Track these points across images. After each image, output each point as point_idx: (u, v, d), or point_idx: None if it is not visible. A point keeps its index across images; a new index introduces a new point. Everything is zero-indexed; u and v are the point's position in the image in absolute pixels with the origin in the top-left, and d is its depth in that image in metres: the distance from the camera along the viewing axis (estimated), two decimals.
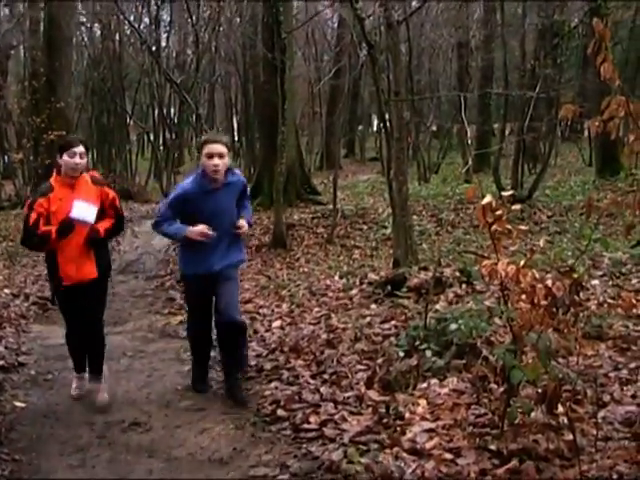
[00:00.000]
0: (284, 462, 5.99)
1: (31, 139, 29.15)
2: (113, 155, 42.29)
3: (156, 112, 41.25)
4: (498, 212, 5.41)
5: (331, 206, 21.89)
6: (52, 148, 27.27)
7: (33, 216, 7.37)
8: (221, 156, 7.43)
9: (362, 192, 30.52)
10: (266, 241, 19.76)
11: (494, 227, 5.45)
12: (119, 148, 42.22)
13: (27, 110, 30.43)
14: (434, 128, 42.50)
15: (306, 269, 16.10)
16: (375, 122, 57.14)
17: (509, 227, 5.48)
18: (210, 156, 7.39)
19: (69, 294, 7.78)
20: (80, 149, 7.53)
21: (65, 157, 7.45)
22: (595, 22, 5.02)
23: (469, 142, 31.24)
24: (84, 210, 7.49)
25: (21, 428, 7.33)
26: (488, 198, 5.39)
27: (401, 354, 7.89)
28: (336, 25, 48.57)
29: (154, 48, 30.35)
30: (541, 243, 8.49)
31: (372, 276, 12.70)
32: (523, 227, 6.22)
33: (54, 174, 7.62)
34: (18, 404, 8.02)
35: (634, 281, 10.57)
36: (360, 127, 57.63)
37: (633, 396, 6.35)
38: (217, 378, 8.54)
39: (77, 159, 7.47)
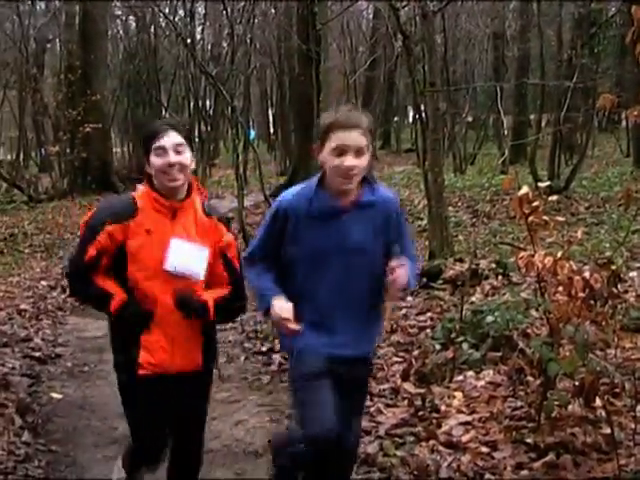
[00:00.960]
0: None
1: (67, 132, 29.30)
2: None
3: (191, 104, 41.31)
4: (535, 203, 5.36)
5: None
6: (88, 140, 27.55)
7: (91, 250, 4.41)
8: (359, 153, 4.19)
9: (398, 183, 30.42)
10: None
11: (531, 218, 5.40)
12: None
13: (63, 103, 30.61)
14: (470, 119, 42.32)
15: None
16: (411, 113, 57.06)
17: (546, 218, 5.43)
18: (341, 152, 4.17)
19: (150, 390, 4.61)
20: (173, 138, 4.41)
21: (152, 157, 4.44)
22: (634, 9, 4.95)
23: (505, 133, 31.02)
24: (188, 257, 4.48)
25: (57, 419, 7.38)
26: (525, 189, 5.35)
27: (437, 346, 7.85)
28: (371, 16, 48.58)
29: (189, 40, 30.35)
30: (578, 234, 8.35)
31: None
32: (560, 218, 6.16)
33: (141, 186, 4.59)
34: (55, 395, 8.08)
35: None
36: (396, 118, 57.53)
37: None
38: (252, 370, 8.55)
39: (171, 156, 4.39)
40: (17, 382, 8.15)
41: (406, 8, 20.26)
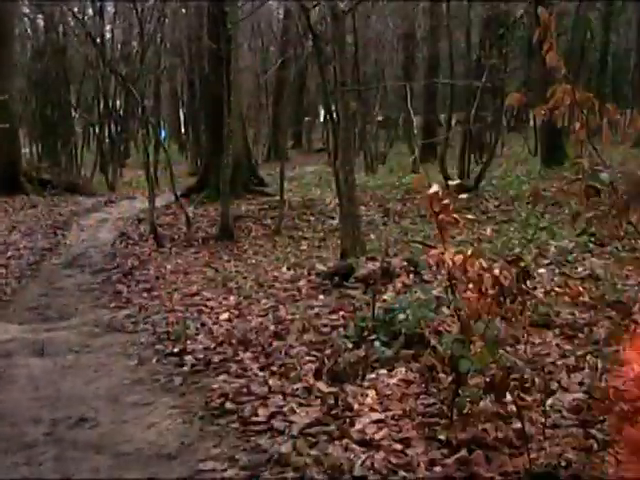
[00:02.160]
0: (233, 455, 5.93)
1: None
2: (58, 148, 41.79)
3: (101, 104, 40.85)
4: (445, 201, 5.40)
5: (278, 197, 21.83)
6: None
7: None
8: None
9: (309, 183, 30.57)
10: (213, 233, 19.66)
11: (441, 216, 5.44)
12: (64, 141, 41.72)
13: None
14: (380, 118, 42.60)
15: (254, 261, 16.04)
16: (322, 113, 57.24)
17: (456, 216, 5.48)
18: None
19: None
20: None
21: None
22: (541, 11, 5.02)
23: (415, 132, 31.31)
24: None
25: None
26: (435, 187, 5.39)
27: (349, 345, 7.87)
28: (282, 16, 48.55)
29: (98, 40, 30.10)
30: (488, 232, 8.48)
31: (320, 267, 12.71)
32: (470, 216, 6.24)
33: None
34: None
35: (580, 269, 10.68)
36: (307, 118, 57.62)
37: (580, 383, 6.41)
38: (164, 372, 8.48)
39: None
40: None
41: (316, 8, 20.33)
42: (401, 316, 7.69)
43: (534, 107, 5.54)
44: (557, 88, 4.99)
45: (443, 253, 5.29)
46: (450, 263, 5.24)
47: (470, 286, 5.43)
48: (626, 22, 47.26)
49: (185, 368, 8.51)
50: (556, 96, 4.99)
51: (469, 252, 5.27)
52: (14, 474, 6.05)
